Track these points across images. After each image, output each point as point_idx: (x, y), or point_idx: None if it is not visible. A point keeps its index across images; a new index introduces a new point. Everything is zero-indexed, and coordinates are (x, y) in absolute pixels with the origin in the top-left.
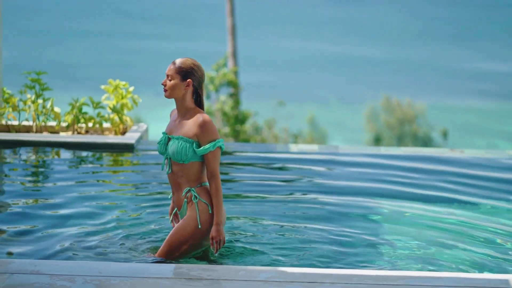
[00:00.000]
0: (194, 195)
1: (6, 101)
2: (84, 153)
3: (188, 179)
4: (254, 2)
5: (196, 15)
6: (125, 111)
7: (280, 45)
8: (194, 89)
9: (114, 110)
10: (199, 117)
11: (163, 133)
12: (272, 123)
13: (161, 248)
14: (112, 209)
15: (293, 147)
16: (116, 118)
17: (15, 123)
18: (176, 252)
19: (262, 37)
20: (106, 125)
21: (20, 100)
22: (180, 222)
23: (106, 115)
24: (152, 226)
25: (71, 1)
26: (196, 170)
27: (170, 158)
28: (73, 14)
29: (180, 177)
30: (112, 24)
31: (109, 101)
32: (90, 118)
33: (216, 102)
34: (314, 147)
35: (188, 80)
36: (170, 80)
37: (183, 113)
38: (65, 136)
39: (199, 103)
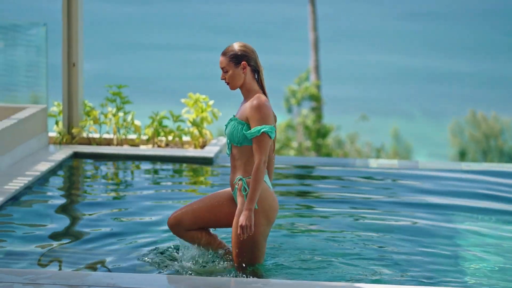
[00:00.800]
0: (244, 187)
1: (88, 114)
2: (163, 166)
3: (241, 164)
4: (337, 16)
5: (278, 29)
6: (205, 124)
7: (363, 58)
8: (252, 69)
9: (194, 123)
10: (254, 99)
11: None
12: (354, 137)
13: (233, 254)
14: None
15: (373, 162)
16: (196, 131)
17: (96, 135)
18: (248, 251)
19: (345, 51)
20: (185, 138)
21: (101, 113)
22: (234, 219)
23: (186, 129)
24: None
25: (154, 14)
26: (250, 157)
27: (228, 142)
28: (156, 27)
29: (236, 160)
30: (196, 37)
31: (189, 114)
32: (170, 132)
33: (298, 115)
34: (394, 162)
35: (242, 62)
36: (226, 72)
37: (246, 96)
38: (145, 149)
39: (260, 83)
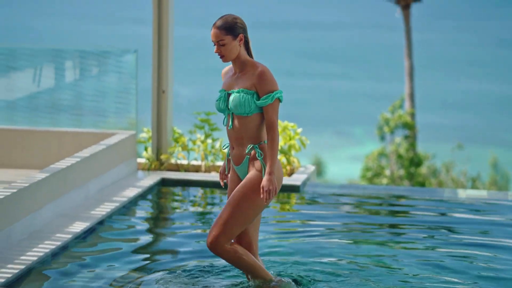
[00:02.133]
0: (259, 152)
1: (176, 140)
2: None
3: (250, 134)
4: (432, 42)
5: (373, 55)
6: (293, 152)
7: (459, 86)
8: (244, 40)
9: (281, 151)
10: (257, 68)
11: (221, 90)
12: (450, 166)
13: (224, 208)
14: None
15: (461, 193)
16: (284, 159)
17: (184, 162)
18: (242, 214)
19: (441, 78)
20: None
21: (190, 139)
22: (244, 180)
23: None
24: (310, 266)
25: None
26: (257, 124)
27: (231, 113)
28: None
29: (242, 132)
30: (288, 63)
31: None
32: None
33: (391, 143)
34: (483, 193)
35: (240, 35)
36: (222, 45)
37: (241, 67)
38: None
39: (250, 53)
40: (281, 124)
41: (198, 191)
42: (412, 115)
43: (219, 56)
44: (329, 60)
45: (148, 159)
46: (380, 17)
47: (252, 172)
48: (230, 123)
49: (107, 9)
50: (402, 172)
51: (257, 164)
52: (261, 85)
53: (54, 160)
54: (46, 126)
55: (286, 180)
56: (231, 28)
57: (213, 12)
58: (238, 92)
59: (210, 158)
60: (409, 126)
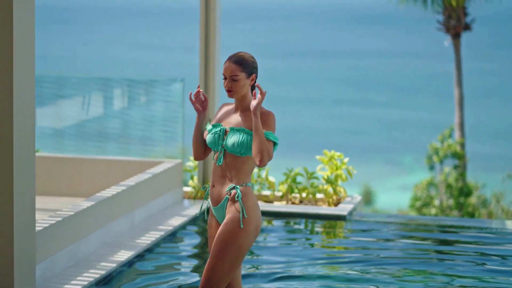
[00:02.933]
0: (239, 194)
1: None
2: (296, 224)
3: (236, 174)
4: (482, 72)
5: (423, 84)
6: (339, 182)
7: (509, 115)
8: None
9: (328, 181)
10: (264, 109)
11: (217, 124)
12: (500, 196)
13: (209, 261)
14: (322, 277)
15: (510, 224)
16: (330, 189)
17: None
18: (226, 261)
19: (490, 107)
20: (319, 195)
21: None
22: (221, 226)
23: (320, 186)
24: None
25: (293, 68)
26: (248, 166)
27: (224, 150)
28: (300, 82)
29: (229, 170)
30: (337, 91)
31: (323, 171)
32: (304, 188)
33: (440, 173)
34: None
35: (253, 75)
36: (235, 80)
37: (244, 106)
38: (279, 206)
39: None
40: (327, 153)
41: None
42: (462, 144)
43: (227, 91)
44: (378, 89)
45: (194, 187)
46: (430, 46)
47: (229, 216)
48: (221, 159)
49: (156, 37)
50: (451, 202)
51: (236, 205)
52: (268, 124)
53: (101, 188)
54: (93, 155)
55: (333, 210)
56: (247, 66)
57: (261, 42)
58: (238, 130)
59: (257, 187)
60: (459, 156)
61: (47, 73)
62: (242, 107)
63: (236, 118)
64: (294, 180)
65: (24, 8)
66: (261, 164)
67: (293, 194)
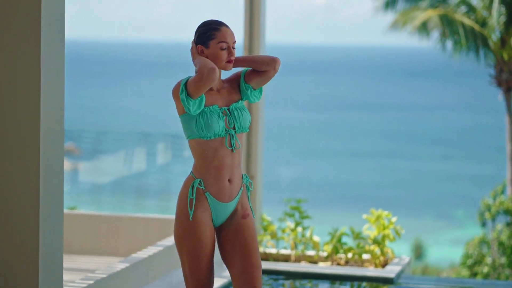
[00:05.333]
0: (250, 181)
1: (265, 228)
2: (342, 286)
3: (240, 159)
4: None
5: (475, 138)
6: (387, 242)
7: None
8: None
9: (375, 241)
10: (235, 75)
11: (213, 106)
12: None
13: (252, 258)
14: None
15: None
16: (377, 249)
17: (273, 251)
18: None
19: None
20: (365, 256)
21: (279, 227)
22: (246, 221)
23: (367, 246)
24: None
25: (334, 121)
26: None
27: (233, 134)
28: (353, 135)
29: (239, 155)
30: (389, 144)
31: (370, 231)
32: (350, 249)
33: (492, 231)
34: None
35: None
36: (234, 49)
37: (220, 82)
38: (324, 267)
39: None
40: (374, 212)
41: (288, 282)
42: None
43: (229, 61)
44: (430, 142)
45: None
46: (483, 100)
47: (247, 208)
48: (233, 145)
49: None
50: (503, 260)
51: (246, 199)
52: (246, 76)
53: (140, 248)
54: (132, 212)
55: (380, 272)
56: None
57: (315, 94)
58: (240, 106)
59: (301, 247)
60: (511, 213)
61: (86, 127)
62: (220, 83)
63: (226, 96)
64: (339, 240)
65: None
66: (278, 65)
67: (339, 255)
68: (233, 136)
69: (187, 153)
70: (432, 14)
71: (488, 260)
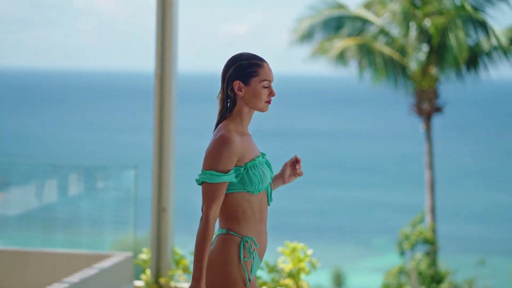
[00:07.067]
0: None
1: (177, 262)
2: None
3: None
4: (453, 153)
5: (393, 166)
6: (302, 275)
7: (481, 197)
8: None
9: (289, 274)
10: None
11: (259, 157)
12: (472, 283)
13: None
14: None
15: None
16: (292, 283)
17: (186, 286)
18: None
19: (461, 189)
20: None
21: (192, 261)
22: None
23: (281, 280)
24: None
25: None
26: None
27: (271, 184)
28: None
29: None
30: (308, 172)
31: (285, 264)
32: (264, 284)
33: (411, 260)
34: None
35: None
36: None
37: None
38: None
39: None
40: (289, 245)
41: None
42: (433, 230)
43: (266, 102)
44: (344, 169)
45: (147, 282)
46: (403, 127)
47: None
48: (271, 197)
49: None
50: None
51: None
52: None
53: (47, 284)
54: (39, 247)
55: None
56: None
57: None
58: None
59: None
60: (430, 242)
61: None
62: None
63: (253, 142)
64: None
65: None
66: None
67: None
68: (270, 186)
69: (99, 185)
70: (350, 43)
71: None
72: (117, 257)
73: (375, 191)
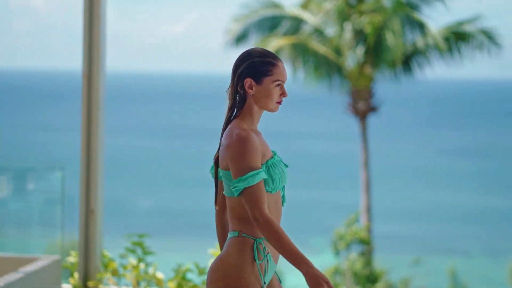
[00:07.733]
0: None
1: (106, 265)
2: None
3: None
4: (389, 153)
5: (330, 165)
6: None
7: (417, 196)
8: None
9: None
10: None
11: (275, 156)
12: (407, 282)
13: None
14: None
15: None
16: None
17: None
18: None
19: (397, 188)
20: None
21: (121, 264)
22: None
23: None
24: None
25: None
26: None
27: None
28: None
29: None
30: None
31: None
32: (194, 286)
33: (346, 260)
34: None
35: None
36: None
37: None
38: None
39: None
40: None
41: None
42: (369, 229)
43: (277, 103)
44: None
45: (75, 286)
46: (338, 127)
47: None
48: (285, 196)
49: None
50: None
51: None
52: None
53: None
54: None
55: None
56: None
57: (160, 120)
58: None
59: (143, 284)
60: (365, 242)
61: None
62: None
63: (265, 142)
64: (184, 277)
65: None
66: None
67: None
68: (284, 187)
69: (27, 186)
70: (284, 43)
71: None
72: (44, 260)
73: (311, 191)
